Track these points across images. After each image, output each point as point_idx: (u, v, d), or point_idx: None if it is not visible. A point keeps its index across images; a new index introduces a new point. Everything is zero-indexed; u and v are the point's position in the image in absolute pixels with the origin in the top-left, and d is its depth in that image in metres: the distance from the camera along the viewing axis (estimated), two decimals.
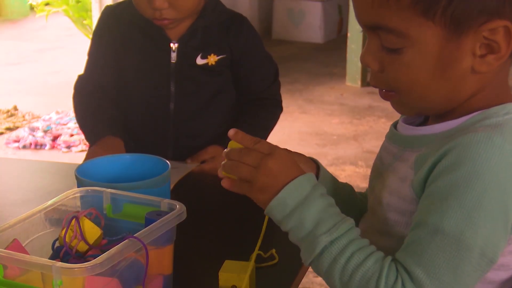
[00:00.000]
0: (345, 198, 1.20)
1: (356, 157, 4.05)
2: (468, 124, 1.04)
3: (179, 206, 1.19)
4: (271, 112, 2.01)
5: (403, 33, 1.00)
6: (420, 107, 1.07)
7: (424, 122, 1.14)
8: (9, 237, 1.13)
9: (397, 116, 1.19)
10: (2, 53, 6.75)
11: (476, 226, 0.95)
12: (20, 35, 7.70)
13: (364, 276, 0.98)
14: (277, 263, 1.36)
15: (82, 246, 1.14)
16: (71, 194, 1.25)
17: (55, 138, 4.35)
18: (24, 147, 4.28)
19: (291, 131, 4.46)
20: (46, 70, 6.06)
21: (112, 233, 1.18)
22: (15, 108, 4.91)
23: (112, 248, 1.05)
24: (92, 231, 1.16)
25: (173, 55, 1.89)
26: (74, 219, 1.15)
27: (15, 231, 1.15)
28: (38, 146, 4.29)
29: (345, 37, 5.57)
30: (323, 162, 4.17)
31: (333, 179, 1.23)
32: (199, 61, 1.90)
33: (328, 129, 4.53)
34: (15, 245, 1.12)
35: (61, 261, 1.07)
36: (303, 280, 1.45)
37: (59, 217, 1.21)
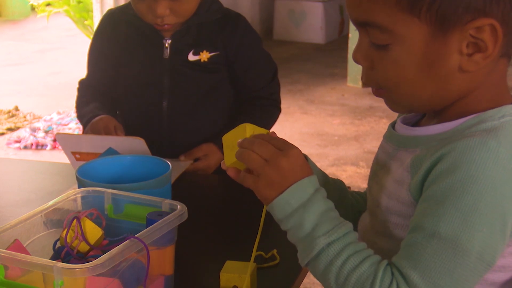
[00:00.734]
0: (334, 194, 1.20)
1: (357, 157, 4.05)
2: (463, 127, 1.03)
3: (180, 206, 1.19)
4: (267, 112, 2.01)
5: (390, 29, 1.01)
6: (409, 104, 1.07)
7: (421, 121, 1.14)
8: (10, 238, 1.13)
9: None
10: (3, 54, 6.76)
11: (472, 230, 0.95)
12: (21, 35, 7.71)
13: (359, 279, 0.98)
14: (278, 263, 1.36)
15: (83, 247, 1.14)
16: (72, 195, 1.25)
17: (56, 139, 4.35)
18: (25, 147, 4.28)
19: (292, 132, 4.46)
20: (47, 71, 6.07)
21: (113, 233, 1.18)
22: (16, 109, 4.92)
23: (113, 249, 1.05)
24: (93, 231, 1.16)
25: (166, 51, 1.91)
26: (75, 220, 1.15)
27: (16, 231, 1.15)
28: (39, 146, 4.29)
29: (346, 37, 5.58)
30: (324, 162, 4.18)
31: (323, 175, 1.23)
32: (191, 57, 1.91)
33: (329, 130, 4.53)
34: (16, 245, 1.12)
35: (62, 262, 1.07)
36: (304, 281, 1.45)
37: (60, 218, 1.21)
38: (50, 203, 1.22)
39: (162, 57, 1.91)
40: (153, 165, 1.47)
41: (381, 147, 1.17)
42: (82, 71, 2.06)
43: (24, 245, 1.15)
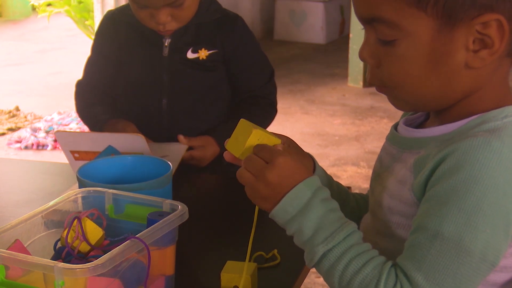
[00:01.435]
0: (337, 199, 1.19)
1: (358, 157, 4.04)
2: (467, 128, 1.03)
3: (181, 206, 1.19)
4: (264, 110, 2.02)
5: (396, 24, 1.00)
6: (414, 101, 1.07)
7: (424, 123, 1.14)
8: (11, 238, 1.13)
9: (399, 116, 1.19)
10: (4, 54, 6.76)
11: (476, 231, 0.95)
12: (21, 35, 7.71)
13: (362, 282, 0.98)
14: (279, 263, 1.36)
15: (84, 247, 1.14)
16: (73, 195, 1.25)
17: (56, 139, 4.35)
18: (26, 147, 4.28)
19: (293, 132, 4.45)
20: (48, 71, 6.06)
21: (114, 233, 1.18)
22: (17, 109, 4.92)
23: (114, 249, 1.05)
24: (94, 231, 1.16)
25: (165, 50, 1.92)
26: (76, 220, 1.15)
27: (17, 231, 1.15)
28: (40, 146, 4.29)
29: (347, 37, 5.57)
30: (325, 162, 4.18)
31: (327, 178, 1.23)
32: (190, 55, 1.92)
33: (330, 130, 4.53)
34: (17, 245, 1.12)
35: (63, 262, 1.07)
36: (305, 281, 1.45)
37: (60, 218, 1.21)
38: (51, 203, 1.22)
39: (161, 56, 1.92)
40: (153, 166, 1.47)
41: (384, 149, 1.16)
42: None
43: (25, 245, 1.15)
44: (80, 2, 5.79)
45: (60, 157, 4.14)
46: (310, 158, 1.22)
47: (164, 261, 1.18)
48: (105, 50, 2.00)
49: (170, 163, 1.46)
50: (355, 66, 5.40)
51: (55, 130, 4.42)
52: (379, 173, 1.14)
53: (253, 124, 1.11)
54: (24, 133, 4.45)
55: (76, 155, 1.72)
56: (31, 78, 5.86)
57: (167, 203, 1.21)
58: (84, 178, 1.37)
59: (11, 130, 4.57)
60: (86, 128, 2.06)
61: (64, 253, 1.15)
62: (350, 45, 5.41)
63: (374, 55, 1.05)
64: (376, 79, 1.07)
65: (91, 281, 1.03)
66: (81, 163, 1.65)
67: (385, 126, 4.53)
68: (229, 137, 1.12)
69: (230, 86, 2.01)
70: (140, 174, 1.46)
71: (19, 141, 4.36)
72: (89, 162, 1.51)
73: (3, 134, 4.52)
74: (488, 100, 1.04)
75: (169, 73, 1.93)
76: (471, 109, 1.04)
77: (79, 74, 2.08)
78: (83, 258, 1.13)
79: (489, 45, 0.99)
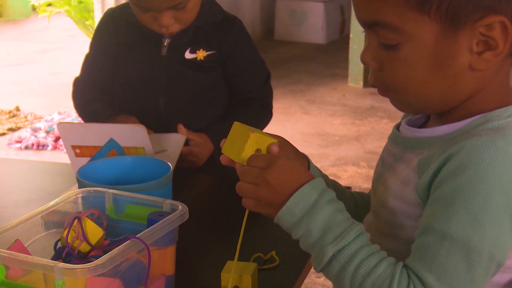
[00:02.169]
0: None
1: (358, 157, 4.04)
2: (470, 127, 1.03)
3: (181, 206, 1.19)
4: (258, 112, 2.02)
5: (399, 28, 1.00)
6: (418, 105, 1.07)
7: (426, 123, 1.14)
8: (11, 238, 1.13)
9: (399, 116, 1.19)
10: (4, 54, 6.76)
11: (483, 230, 0.95)
12: (22, 35, 7.71)
13: (375, 283, 0.97)
14: (278, 265, 1.36)
15: (84, 247, 1.14)
16: (73, 195, 1.25)
17: (57, 139, 4.35)
18: (26, 147, 4.28)
19: (293, 132, 4.46)
20: (48, 71, 6.06)
21: (114, 233, 1.18)
22: (17, 109, 4.92)
23: (114, 249, 1.05)
24: (94, 231, 1.16)
25: (164, 49, 1.93)
26: (76, 220, 1.15)
27: (17, 231, 1.15)
28: (40, 146, 4.29)
29: (347, 37, 5.57)
30: (325, 162, 4.18)
31: (323, 176, 1.23)
32: (188, 55, 1.93)
33: (330, 130, 4.53)
34: (17, 245, 1.12)
35: (63, 262, 1.07)
36: (305, 281, 1.45)
37: (61, 218, 1.21)
38: (51, 203, 1.22)
39: (160, 55, 1.92)
40: (153, 167, 1.47)
41: (386, 149, 1.16)
42: None
43: (25, 245, 1.15)
44: (80, 2, 5.78)
45: (60, 157, 4.15)
46: (305, 158, 1.22)
47: (164, 261, 1.18)
48: (104, 47, 2.00)
49: (170, 164, 1.46)
50: (355, 66, 5.39)
51: (58, 122, 4.42)
52: (382, 173, 1.14)
53: (248, 126, 1.11)
54: (24, 133, 4.45)
55: (77, 150, 1.72)
56: (31, 78, 5.86)
57: (167, 203, 1.21)
58: (83, 179, 1.37)
59: (11, 130, 4.57)
60: None
61: (64, 253, 1.15)
62: (351, 45, 5.41)
63: (377, 59, 1.05)
64: (378, 83, 1.07)
65: (91, 281, 1.03)
66: (81, 160, 1.65)
67: (385, 126, 4.53)
68: (224, 136, 1.12)
69: (227, 87, 2.01)
70: (140, 175, 1.46)
71: (19, 141, 4.36)
72: (88, 163, 1.51)
73: (3, 134, 4.52)
74: (490, 100, 1.04)
75: (167, 72, 1.94)
76: (474, 109, 1.04)
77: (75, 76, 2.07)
78: (83, 258, 1.13)
79: (493, 47, 0.99)
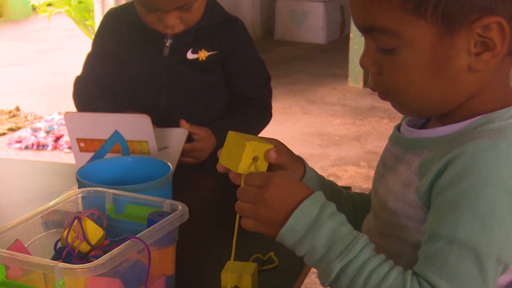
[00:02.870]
0: (330, 199, 1.18)
1: (358, 158, 4.04)
2: (471, 128, 1.03)
3: (181, 206, 1.19)
4: (258, 113, 2.02)
5: (396, 32, 1.00)
6: (418, 108, 1.07)
7: (427, 123, 1.14)
8: (11, 238, 1.13)
9: (399, 117, 1.18)
10: (4, 54, 6.76)
11: (491, 233, 0.95)
12: (22, 35, 7.71)
13: None
14: (277, 266, 1.36)
15: (84, 247, 1.14)
16: (73, 195, 1.25)
17: (57, 139, 4.35)
18: (26, 147, 4.28)
19: (293, 132, 4.45)
20: (48, 71, 6.06)
21: (114, 233, 1.18)
22: (17, 109, 4.92)
23: (114, 249, 1.05)
24: (94, 231, 1.16)
25: (166, 50, 1.93)
26: (76, 220, 1.15)
27: (17, 231, 1.15)
28: (40, 146, 4.29)
29: (347, 37, 5.57)
30: (325, 162, 4.17)
31: (319, 179, 1.22)
32: (190, 55, 1.94)
33: (330, 130, 4.53)
34: (17, 245, 1.12)
35: (63, 262, 1.07)
36: (305, 281, 1.45)
37: (61, 218, 1.21)
38: (51, 203, 1.22)
39: (162, 55, 1.93)
40: (153, 167, 1.47)
41: (386, 149, 1.16)
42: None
43: (25, 245, 1.15)
44: (80, 2, 5.79)
45: (60, 157, 4.15)
46: (301, 161, 1.21)
47: (164, 261, 1.18)
48: (106, 47, 2.00)
49: (170, 165, 1.46)
50: (355, 66, 5.39)
51: (56, 131, 4.42)
52: (383, 174, 1.14)
53: (243, 134, 1.11)
54: (25, 133, 4.45)
55: (82, 144, 1.73)
56: (31, 78, 5.86)
57: (167, 203, 1.21)
58: (83, 179, 1.37)
59: (11, 130, 4.57)
60: None
61: (64, 253, 1.15)
62: (351, 45, 5.40)
63: (376, 63, 1.05)
64: (379, 87, 1.07)
65: (91, 281, 1.03)
66: (85, 155, 1.66)
67: (386, 126, 4.52)
68: (226, 133, 1.12)
69: (227, 88, 2.01)
70: (140, 175, 1.46)
71: (19, 141, 4.35)
72: (89, 163, 1.51)
73: (4, 134, 4.52)
74: (490, 101, 1.04)
75: (169, 72, 1.94)
76: (475, 109, 1.04)
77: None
78: (83, 258, 1.13)
79: (491, 47, 0.99)
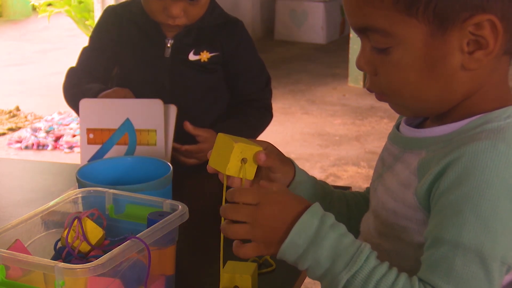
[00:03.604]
0: (321, 201, 1.17)
1: (358, 157, 4.04)
2: (469, 127, 1.02)
3: (181, 206, 1.19)
4: (259, 113, 2.02)
5: (389, 31, 1.00)
6: (414, 107, 1.07)
7: (425, 122, 1.14)
8: (11, 238, 1.13)
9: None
10: (4, 54, 6.76)
11: (495, 235, 0.94)
12: (22, 35, 7.71)
13: None
14: (274, 269, 1.35)
15: (84, 247, 1.14)
16: (73, 195, 1.25)
17: (57, 139, 4.35)
18: (26, 147, 4.28)
19: (293, 132, 4.46)
20: (48, 71, 6.07)
21: (114, 233, 1.18)
22: (18, 109, 4.92)
23: (114, 249, 1.05)
24: (94, 231, 1.16)
25: (167, 51, 1.93)
26: (76, 220, 1.15)
27: (17, 231, 1.15)
28: (40, 146, 4.29)
29: (347, 37, 5.58)
30: (326, 162, 4.18)
31: (311, 180, 1.22)
32: (192, 57, 1.93)
33: (330, 130, 4.53)
34: (17, 245, 1.12)
35: (64, 262, 1.07)
36: (305, 281, 1.45)
37: (61, 218, 1.21)
38: (51, 203, 1.22)
39: (163, 56, 1.93)
40: (153, 167, 1.47)
41: (385, 148, 1.16)
42: None
43: (25, 245, 1.15)
44: (80, 2, 5.79)
45: (60, 157, 4.15)
46: (291, 163, 1.21)
47: (165, 261, 1.18)
48: (104, 41, 2.00)
49: (170, 164, 1.46)
50: (355, 66, 5.39)
51: (56, 131, 4.42)
52: (381, 173, 1.13)
53: (232, 136, 1.11)
54: (25, 133, 4.46)
55: (91, 135, 1.73)
56: (31, 78, 5.87)
57: (167, 203, 1.21)
58: (83, 179, 1.37)
59: (12, 130, 4.57)
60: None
61: (65, 253, 1.15)
62: (351, 45, 5.41)
63: (370, 64, 1.05)
64: (375, 87, 1.07)
65: (92, 281, 1.03)
66: (92, 148, 1.67)
67: (386, 126, 4.53)
68: (231, 133, 1.13)
69: (228, 89, 2.02)
70: (140, 175, 1.46)
71: (19, 141, 4.36)
72: (89, 163, 1.51)
73: (4, 134, 4.52)
74: (489, 100, 1.04)
75: (170, 74, 1.94)
76: (472, 109, 1.04)
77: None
78: (83, 258, 1.13)
79: (484, 45, 0.99)
